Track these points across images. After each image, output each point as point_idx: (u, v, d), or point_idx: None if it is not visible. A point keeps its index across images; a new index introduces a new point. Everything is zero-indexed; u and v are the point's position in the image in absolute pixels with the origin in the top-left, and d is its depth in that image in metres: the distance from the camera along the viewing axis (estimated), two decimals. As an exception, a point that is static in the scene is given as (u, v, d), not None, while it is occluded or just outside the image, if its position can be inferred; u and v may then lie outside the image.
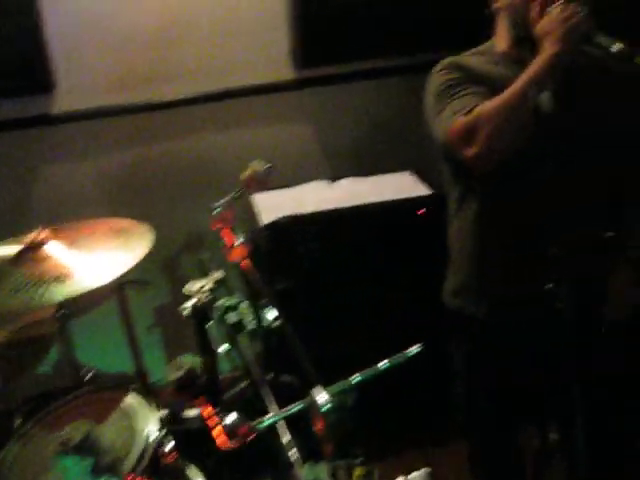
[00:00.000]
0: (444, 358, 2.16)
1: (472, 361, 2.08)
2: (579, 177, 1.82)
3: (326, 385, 1.26)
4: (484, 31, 1.96)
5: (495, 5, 1.89)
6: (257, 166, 1.77)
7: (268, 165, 1.73)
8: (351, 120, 3.10)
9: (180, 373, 1.83)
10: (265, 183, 1.74)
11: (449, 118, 1.76)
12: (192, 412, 1.67)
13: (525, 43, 1.81)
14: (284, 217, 2.61)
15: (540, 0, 1.74)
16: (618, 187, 1.95)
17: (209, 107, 2.98)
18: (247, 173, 1.77)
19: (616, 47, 1.63)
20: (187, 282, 1.91)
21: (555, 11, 1.69)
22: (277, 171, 2.97)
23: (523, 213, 1.82)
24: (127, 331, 2.72)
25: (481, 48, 1.98)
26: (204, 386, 1.86)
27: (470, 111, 1.72)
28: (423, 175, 2.86)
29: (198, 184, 2.98)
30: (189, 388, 1.82)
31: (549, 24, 1.69)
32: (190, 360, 1.87)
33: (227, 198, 1.75)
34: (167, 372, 1.84)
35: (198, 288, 1.90)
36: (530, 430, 2.15)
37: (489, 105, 1.70)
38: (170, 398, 1.81)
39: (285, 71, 2.99)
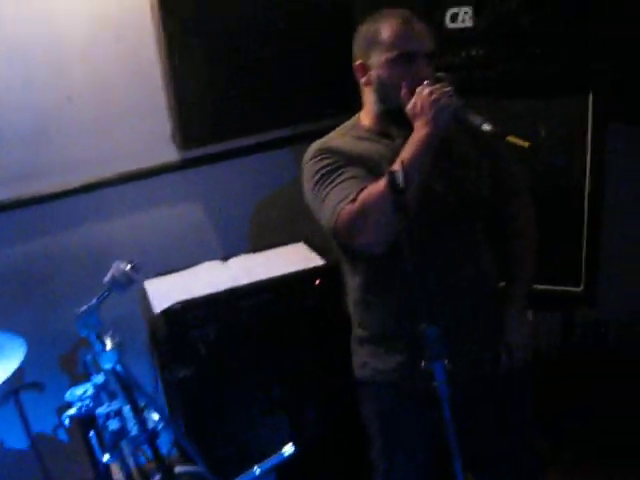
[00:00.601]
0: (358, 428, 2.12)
1: (388, 424, 2.03)
2: (456, 246, 1.84)
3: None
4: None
5: (362, 80, 1.88)
6: (120, 266, 1.71)
7: (132, 263, 1.67)
8: (239, 196, 3.09)
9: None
10: (131, 282, 1.67)
11: (333, 208, 1.74)
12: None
13: (393, 117, 1.84)
14: (176, 303, 2.53)
15: (409, 78, 1.77)
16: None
17: (94, 196, 2.91)
18: (110, 274, 1.70)
19: (487, 126, 1.65)
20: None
21: (424, 92, 1.71)
22: (168, 255, 2.97)
23: (403, 288, 1.72)
24: (28, 435, 2.59)
25: (347, 124, 1.97)
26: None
27: (354, 199, 1.71)
28: (316, 245, 2.85)
29: (85, 277, 2.87)
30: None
31: (419, 105, 1.70)
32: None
33: (90, 303, 1.68)
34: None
35: (79, 394, 1.81)
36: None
37: (372, 192, 1.68)
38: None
39: (168, 153, 2.96)
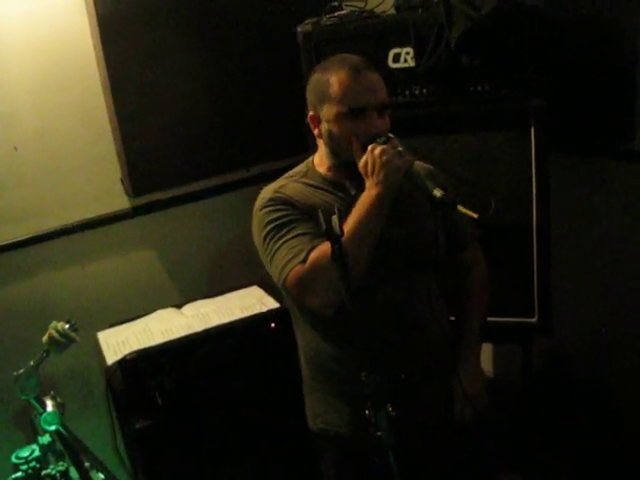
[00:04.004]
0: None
1: (345, 475, 2.00)
2: (409, 293, 1.84)
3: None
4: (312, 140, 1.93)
5: (315, 131, 1.83)
6: (58, 326, 1.67)
7: (70, 322, 1.63)
8: (192, 241, 3.07)
9: None
10: (71, 341, 1.63)
11: (282, 268, 1.71)
12: None
13: (347, 170, 1.80)
14: (130, 353, 2.50)
15: (360, 133, 1.72)
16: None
17: (42, 247, 2.86)
18: (48, 334, 1.66)
19: (437, 193, 1.60)
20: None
21: (376, 151, 1.66)
22: (122, 304, 2.93)
23: (345, 337, 1.71)
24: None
25: (300, 169, 1.92)
26: None
27: (305, 259, 1.66)
28: (270, 287, 2.83)
29: (33, 333, 2.81)
30: None
31: (370, 164, 1.66)
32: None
33: (27, 366, 1.63)
34: None
35: (25, 456, 1.76)
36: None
37: (321, 255, 1.63)
38: None
39: (119, 201, 2.95)
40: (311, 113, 1.80)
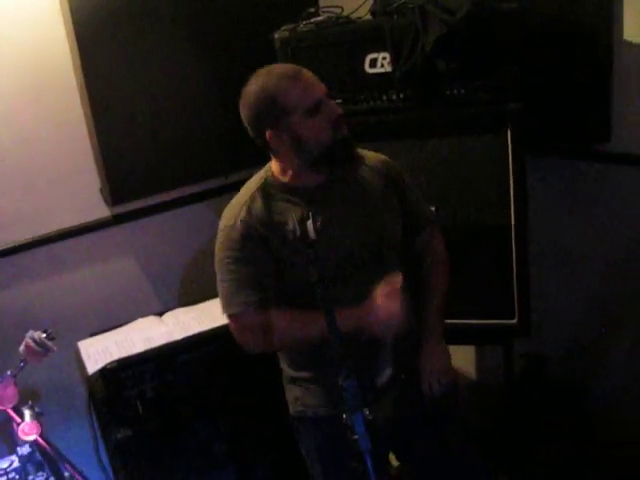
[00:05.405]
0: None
1: (325, 457, 2.05)
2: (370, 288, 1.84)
3: None
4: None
5: (276, 147, 1.84)
6: (35, 335, 1.66)
7: (47, 332, 1.62)
8: (172, 248, 3.07)
9: None
10: (48, 350, 1.62)
11: (224, 306, 1.88)
12: None
13: (322, 160, 1.83)
14: (111, 362, 2.49)
15: (325, 122, 1.78)
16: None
17: (24, 256, 2.85)
18: (24, 344, 1.64)
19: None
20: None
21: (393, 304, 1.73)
22: (103, 313, 2.92)
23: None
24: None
25: (264, 180, 1.92)
26: None
27: (258, 308, 1.80)
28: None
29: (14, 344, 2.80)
30: None
31: (376, 311, 1.73)
32: None
33: (4, 376, 1.62)
34: None
35: (5, 467, 1.75)
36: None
37: (285, 326, 1.79)
38: None
39: (98, 209, 2.93)
40: (268, 132, 1.79)
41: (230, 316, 1.88)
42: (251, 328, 1.84)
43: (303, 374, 2.00)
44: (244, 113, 1.83)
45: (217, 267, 1.88)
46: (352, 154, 1.85)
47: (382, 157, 2.04)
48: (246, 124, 1.84)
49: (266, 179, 1.91)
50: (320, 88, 1.80)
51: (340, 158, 1.82)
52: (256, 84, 1.80)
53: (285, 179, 1.89)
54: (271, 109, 1.77)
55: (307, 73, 1.82)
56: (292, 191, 1.87)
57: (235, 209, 1.87)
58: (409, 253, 2.06)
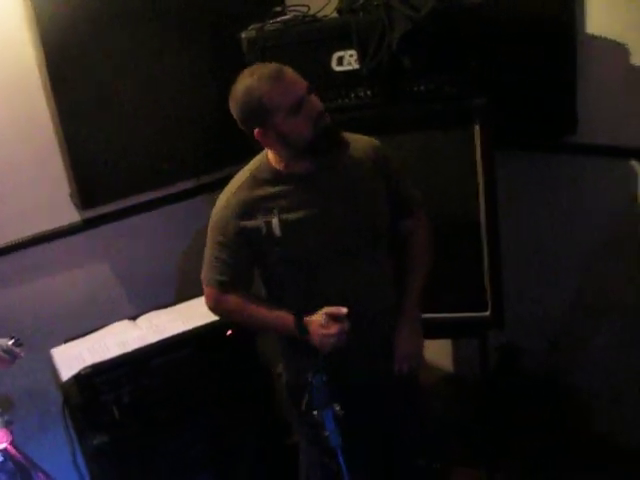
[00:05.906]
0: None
1: None
2: (354, 271, 1.97)
3: None
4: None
5: (266, 144, 1.94)
6: (1, 342, 1.64)
7: (13, 339, 1.61)
8: (145, 251, 3.04)
9: None
10: (15, 357, 1.61)
11: (204, 276, 2.04)
12: None
13: (306, 152, 1.90)
14: (85, 368, 2.46)
15: (308, 119, 1.85)
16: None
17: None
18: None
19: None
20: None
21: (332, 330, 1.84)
22: (77, 318, 2.88)
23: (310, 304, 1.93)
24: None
25: (258, 168, 2.00)
26: None
27: (225, 290, 1.99)
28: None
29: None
30: None
31: (313, 328, 1.86)
32: None
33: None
34: None
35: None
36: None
37: (242, 315, 2.01)
38: None
39: (69, 214, 2.90)
40: (257, 131, 1.89)
41: (205, 286, 2.05)
42: (216, 302, 2.04)
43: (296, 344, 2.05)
44: (233, 111, 1.93)
45: (207, 237, 2.03)
46: (335, 142, 1.92)
47: (372, 141, 2.08)
48: (237, 120, 1.94)
49: (259, 166, 2.00)
50: (301, 86, 1.87)
51: (322, 148, 1.89)
52: (242, 84, 1.89)
53: (278, 167, 1.97)
54: (257, 111, 1.86)
55: (288, 72, 1.88)
56: (283, 178, 1.95)
57: (226, 195, 2.00)
58: (397, 236, 2.12)
